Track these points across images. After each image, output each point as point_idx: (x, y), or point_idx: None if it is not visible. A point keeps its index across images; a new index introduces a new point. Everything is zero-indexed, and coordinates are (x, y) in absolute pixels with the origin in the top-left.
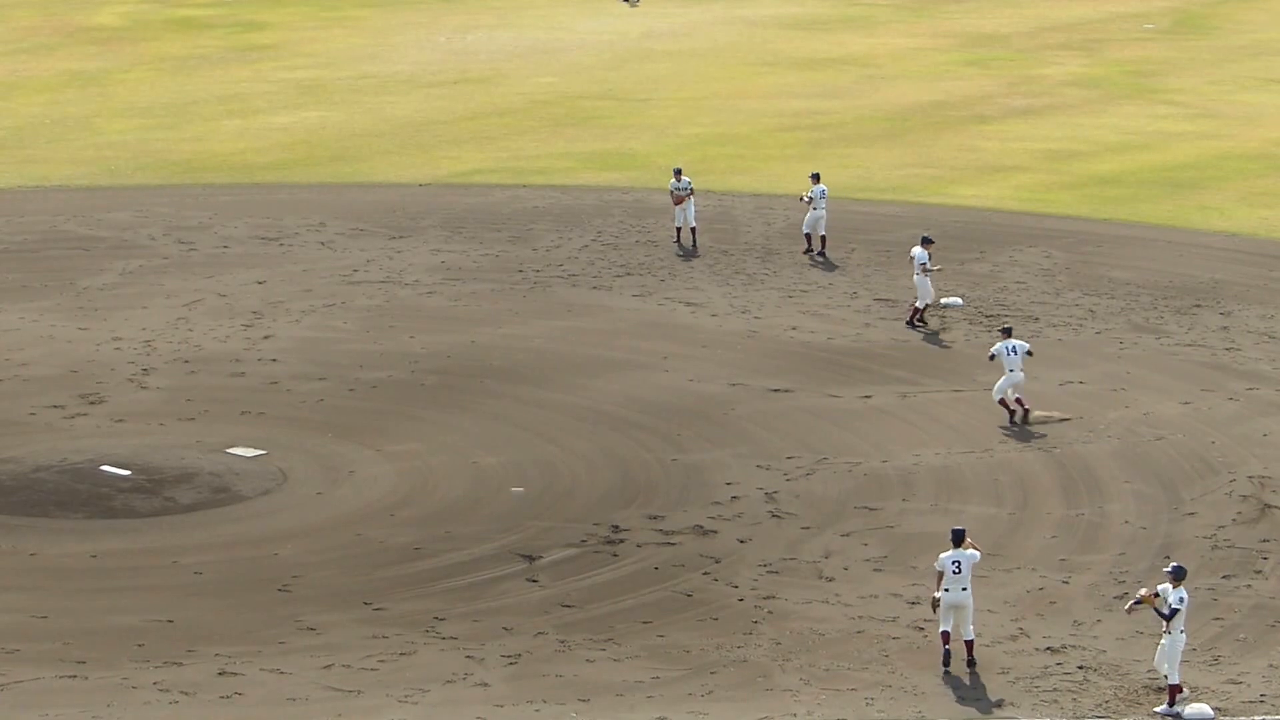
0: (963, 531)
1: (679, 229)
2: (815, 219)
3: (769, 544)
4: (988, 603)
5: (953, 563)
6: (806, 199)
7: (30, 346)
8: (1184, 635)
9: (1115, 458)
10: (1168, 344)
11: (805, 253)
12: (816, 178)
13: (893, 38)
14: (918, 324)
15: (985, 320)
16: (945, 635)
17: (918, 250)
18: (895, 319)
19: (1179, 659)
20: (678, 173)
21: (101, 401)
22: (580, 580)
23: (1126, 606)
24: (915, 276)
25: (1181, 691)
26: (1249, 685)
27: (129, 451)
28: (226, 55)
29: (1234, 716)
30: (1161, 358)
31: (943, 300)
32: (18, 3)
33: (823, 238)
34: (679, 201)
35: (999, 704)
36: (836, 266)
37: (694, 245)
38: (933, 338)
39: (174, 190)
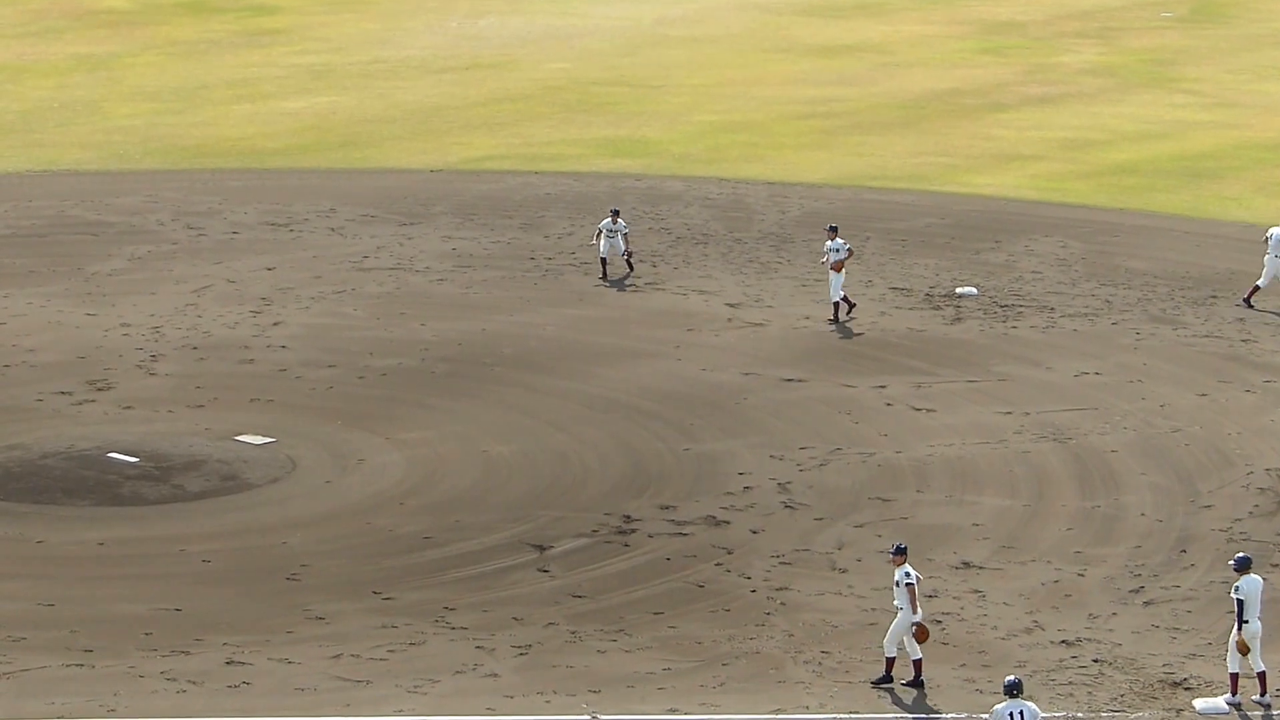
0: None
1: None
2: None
3: (782, 535)
4: (1003, 595)
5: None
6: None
7: (38, 332)
8: (1256, 623)
9: (1131, 449)
10: (1184, 335)
11: (601, 278)
12: (615, 214)
13: (908, 25)
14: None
15: (1000, 310)
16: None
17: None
18: (911, 308)
19: (1258, 647)
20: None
21: (109, 388)
22: (591, 570)
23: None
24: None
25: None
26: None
27: (137, 438)
28: (237, 40)
29: (1249, 711)
30: (1178, 349)
31: (958, 290)
32: None
33: (628, 260)
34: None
35: None
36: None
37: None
38: (948, 328)
39: (183, 175)
